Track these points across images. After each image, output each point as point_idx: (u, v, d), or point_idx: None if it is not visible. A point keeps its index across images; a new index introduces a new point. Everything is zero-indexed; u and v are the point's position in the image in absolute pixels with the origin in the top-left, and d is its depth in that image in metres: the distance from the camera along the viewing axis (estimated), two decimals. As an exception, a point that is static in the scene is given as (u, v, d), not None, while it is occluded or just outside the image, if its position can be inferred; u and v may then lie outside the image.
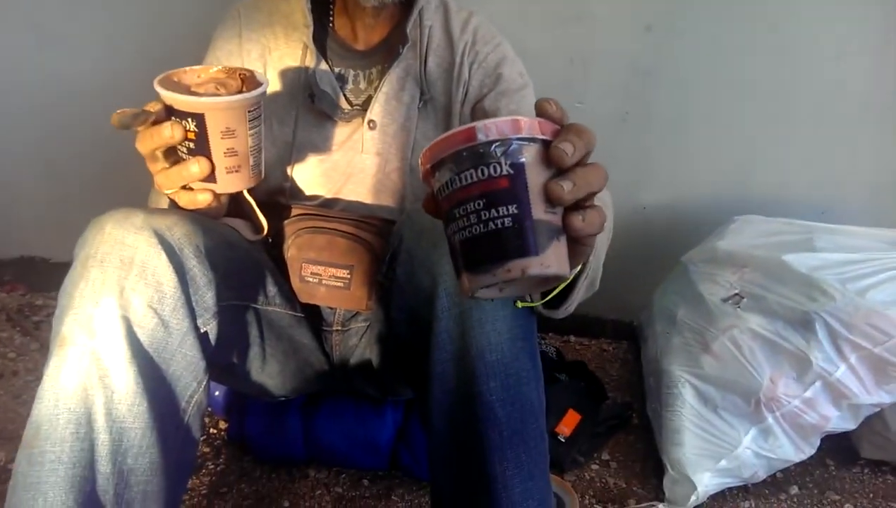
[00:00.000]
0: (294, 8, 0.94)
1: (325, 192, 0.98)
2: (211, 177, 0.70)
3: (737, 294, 1.16)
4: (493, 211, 0.45)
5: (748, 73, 1.36)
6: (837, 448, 1.23)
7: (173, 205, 0.78)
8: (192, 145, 0.68)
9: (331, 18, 0.97)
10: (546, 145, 0.47)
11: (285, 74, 0.95)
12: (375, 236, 0.94)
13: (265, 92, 0.70)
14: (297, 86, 0.94)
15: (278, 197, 0.97)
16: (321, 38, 0.96)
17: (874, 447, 1.19)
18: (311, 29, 0.91)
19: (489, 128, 0.45)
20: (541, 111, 0.49)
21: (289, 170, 0.96)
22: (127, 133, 0.70)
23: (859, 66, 1.32)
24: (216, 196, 0.74)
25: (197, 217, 0.75)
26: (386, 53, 0.96)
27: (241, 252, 0.84)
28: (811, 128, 1.38)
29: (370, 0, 0.86)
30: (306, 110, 0.95)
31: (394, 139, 0.96)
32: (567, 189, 0.46)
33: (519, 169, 0.46)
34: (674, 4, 1.33)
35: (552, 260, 0.47)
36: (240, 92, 0.69)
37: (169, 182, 0.70)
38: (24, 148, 1.60)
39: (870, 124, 1.36)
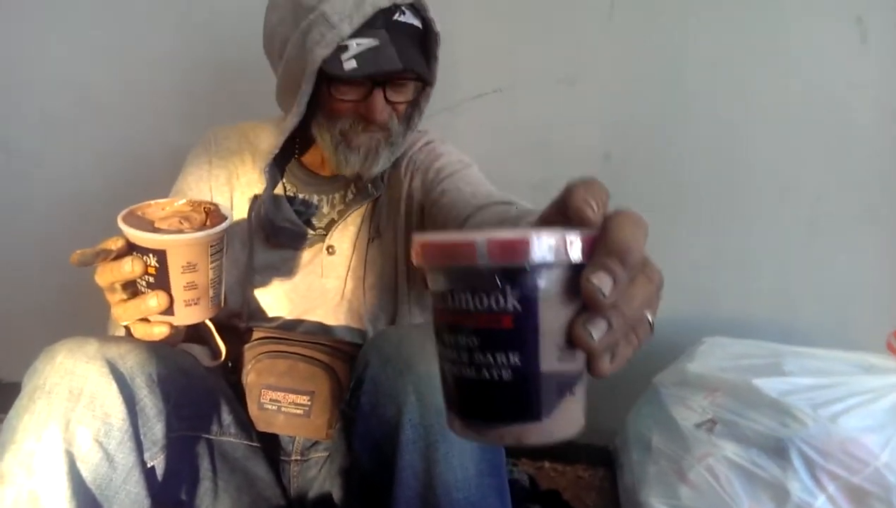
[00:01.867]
0: (261, 137, 0.97)
1: (286, 314, 0.97)
2: (169, 310, 0.68)
3: (710, 419, 1.13)
4: (488, 355, 0.35)
5: (708, 200, 1.42)
6: (826, 585, 1.16)
7: (129, 333, 0.76)
8: (151, 279, 0.67)
9: (296, 147, 1.00)
10: (576, 268, 0.34)
11: (249, 200, 0.97)
12: (337, 360, 0.92)
13: (228, 227, 0.70)
14: (258, 214, 0.95)
15: (237, 320, 0.96)
16: (283, 165, 0.98)
17: (863, 584, 1.13)
18: (266, 183, 0.93)
19: (494, 248, 0.33)
20: (576, 213, 0.36)
21: (249, 293, 0.95)
22: (86, 271, 0.68)
23: (811, 193, 1.38)
24: (173, 327, 0.72)
25: (152, 344, 0.73)
26: (347, 179, 0.98)
27: (195, 380, 0.81)
28: (774, 248, 1.43)
29: (347, 169, 0.89)
30: (263, 237, 0.96)
31: (350, 262, 0.97)
32: (598, 335, 0.34)
33: (530, 306, 0.34)
34: (630, 134, 1.41)
35: (560, 423, 0.36)
36: (203, 225, 0.69)
37: (126, 314, 0.69)
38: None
39: (834, 244, 1.40)
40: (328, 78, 0.82)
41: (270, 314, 0.97)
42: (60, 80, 1.47)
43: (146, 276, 0.66)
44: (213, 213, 0.71)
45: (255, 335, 0.94)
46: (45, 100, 1.49)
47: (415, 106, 0.94)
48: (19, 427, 0.63)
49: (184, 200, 0.73)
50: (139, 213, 0.69)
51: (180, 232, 0.66)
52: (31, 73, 1.47)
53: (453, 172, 0.93)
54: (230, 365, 0.95)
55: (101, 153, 1.51)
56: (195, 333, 0.88)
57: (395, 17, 0.83)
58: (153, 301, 0.67)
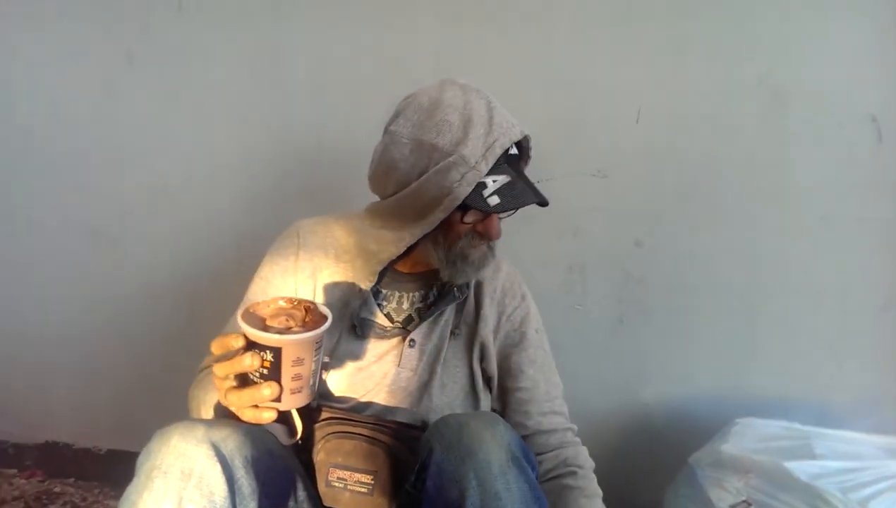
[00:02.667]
0: (341, 235, 1.10)
1: (357, 397, 1.07)
2: (277, 398, 0.78)
3: (744, 501, 1.19)
4: None
5: (738, 283, 1.51)
6: None
7: (221, 408, 0.87)
8: (265, 371, 0.77)
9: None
10: None
11: (332, 292, 1.07)
12: (399, 442, 1.01)
13: (328, 325, 0.80)
14: (342, 307, 1.06)
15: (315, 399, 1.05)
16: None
17: None
18: (373, 284, 1.04)
19: None
20: None
21: (327, 378, 1.05)
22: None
23: (844, 277, 1.47)
24: (278, 412, 0.81)
25: (247, 428, 0.84)
26: (428, 278, 1.10)
27: (278, 459, 0.91)
28: (807, 330, 1.50)
29: (460, 278, 1.02)
30: (349, 327, 1.06)
31: (429, 356, 1.07)
32: None
33: None
34: (660, 223, 1.52)
35: None
36: (304, 321, 0.80)
37: (240, 401, 0.79)
38: (60, 338, 1.73)
39: (866, 327, 1.48)
40: (461, 207, 0.96)
41: (342, 395, 1.06)
42: (139, 170, 1.64)
43: (261, 369, 0.77)
44: (311, 311, 0.82)
45: (324, 415, 1.04)
46: (125, 188, 1.65)
47: None
48: (139, 503, 0.73)
49: (283, 299, 0.84)
50: (251, 311, 0.81)
51: (290, 330, 0.77)
52: (115, 169, 1.65)
53: (528, 347, 1.11)
54: (300, 443, 1.05)
55: (173, 239, 1.66)
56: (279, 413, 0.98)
57: (510, 151, 0.98)
58: (267, 390, 0.76)
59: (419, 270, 1.09)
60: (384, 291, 1.09)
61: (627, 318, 1.56)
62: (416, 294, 1.10)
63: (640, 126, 1.48)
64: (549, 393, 1.11)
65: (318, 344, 0.79)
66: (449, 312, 1.09)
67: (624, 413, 1.58)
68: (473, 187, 0.93)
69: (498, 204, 0.94)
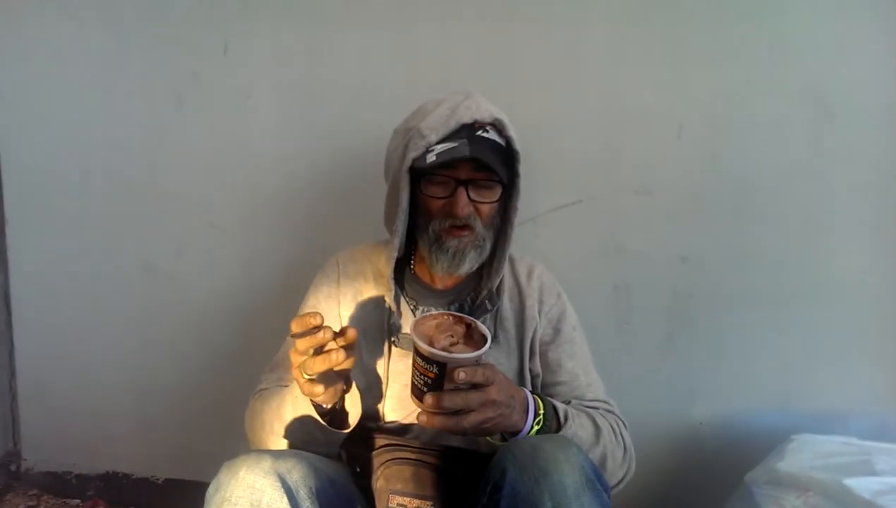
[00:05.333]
0: (377, 259, 1.15)
1: (401, 417, 1.09)
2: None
3: (804, 519, 1.17)
4: None
5: (790, 292, 1.49)
6: None
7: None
8: (429, 381, 0.85)
9: (412, 265, 1.16)
10: None
11: (375, 313, 1.12)
12: (454, 464, 1.03)
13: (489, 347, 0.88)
14: (384, 326, 1.10)
15: (368, 421, 1.08)
16: (401, 281, 1.14)
17: None
18: (393, 292, 1.09)
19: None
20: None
21: (379, 398, 1.09)
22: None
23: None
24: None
25: (310, 460, 0.87)
26: (461, 292, 1.14)
27: (340, 489, 0.94)
28: (864, 339, 1.48)
29: (438, 268, 1.06)
30: (390, 341, 1.10)
31: None
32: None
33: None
34: (705, 238, 1.51)
35: None
36: (465, 336, 0.89)
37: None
38: (119, 371, 1.79)
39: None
40: (420, 178, 1.02)
41: (391, 418, 1.09)
42: (193, 206, 1.70)
43: (426, 378, 0.85)
44: (473, 328, 0.90)
45: (380, 442, 1.06)
46: (180, 223, 1.71)
47: (506, 220, 1.10)
48: (211, 534, 0.77)
49: (448, 314, 0.93)
50: (421, 322, 0.90)
51: (454, 345, 0.87)
52: (170, 205, 1.71)
53: (563, 342, 1.14)
54: (359, 470, 1.07)
55: (226, 271, 1.71)
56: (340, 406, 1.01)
57: (478, 132, 1.02)
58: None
59: (452, 284, 1.14)
60: (421, 308, 1.13)
61: (676, 335, 1.55)
62: (452, 307, 1.13)
63: (681, 141, 1.48)
64: (590, 385, 1.14)
65: (476, 361, 0.86)
66: (487, 321, 1.11)
67: (676, 432, 1.57)
68: (422, 152, 1.00)
69: (433, 161, 1.00)
